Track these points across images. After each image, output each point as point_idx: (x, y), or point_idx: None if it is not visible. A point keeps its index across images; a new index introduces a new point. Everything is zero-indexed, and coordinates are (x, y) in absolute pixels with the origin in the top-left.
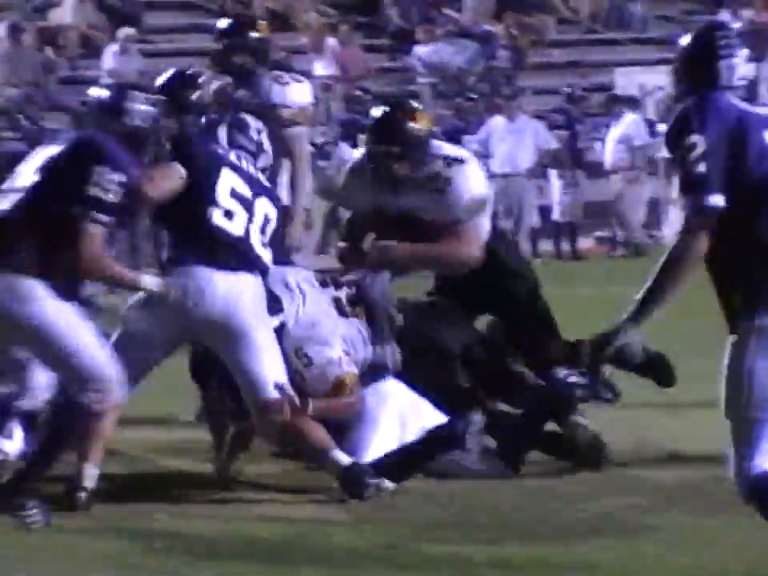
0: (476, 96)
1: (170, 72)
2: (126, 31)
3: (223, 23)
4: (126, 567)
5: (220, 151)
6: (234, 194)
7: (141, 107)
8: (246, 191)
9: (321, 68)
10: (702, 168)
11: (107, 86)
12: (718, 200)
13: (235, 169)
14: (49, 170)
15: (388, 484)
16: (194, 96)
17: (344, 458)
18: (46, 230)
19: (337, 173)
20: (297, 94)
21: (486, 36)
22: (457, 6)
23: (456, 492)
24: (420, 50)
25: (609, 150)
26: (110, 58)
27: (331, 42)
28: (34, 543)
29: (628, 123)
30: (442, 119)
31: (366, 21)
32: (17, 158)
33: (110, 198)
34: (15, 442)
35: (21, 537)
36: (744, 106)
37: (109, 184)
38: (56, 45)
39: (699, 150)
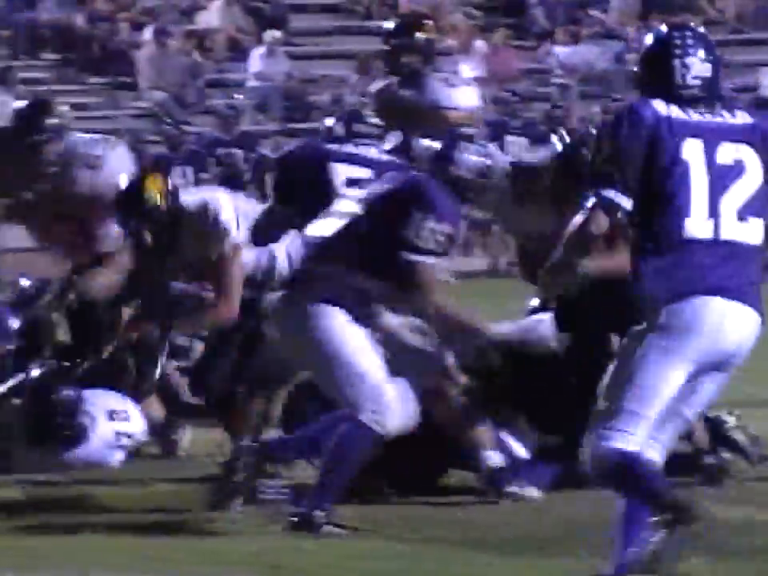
0: (621, 97)
1: None
2: (272, 34)
3: (391, 24)
4: (271, 567)
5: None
6: (352, 181)
7: (471, 158)
8: (364, 173)
9: (467, 70)
10: (606, 169)
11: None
12: (613, 195)
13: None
14: (375, 204)
15: (531, 492)
16: None
17: (494, 460)
18: (362, 258)
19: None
20: (464, 96)
21: (629, 38)
22: (603, 6)
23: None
24: (559, 50)
25: None
26: (256, 60)
27: (478, 43)
28: (182, 545)
29: None
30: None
31: (511, 22)
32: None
33: (430, 246)
34: (135, 423)
35: (165, 539)
36: (674, 113)
37: (430, 234)
38: (203, 48)
39: (605, 153)
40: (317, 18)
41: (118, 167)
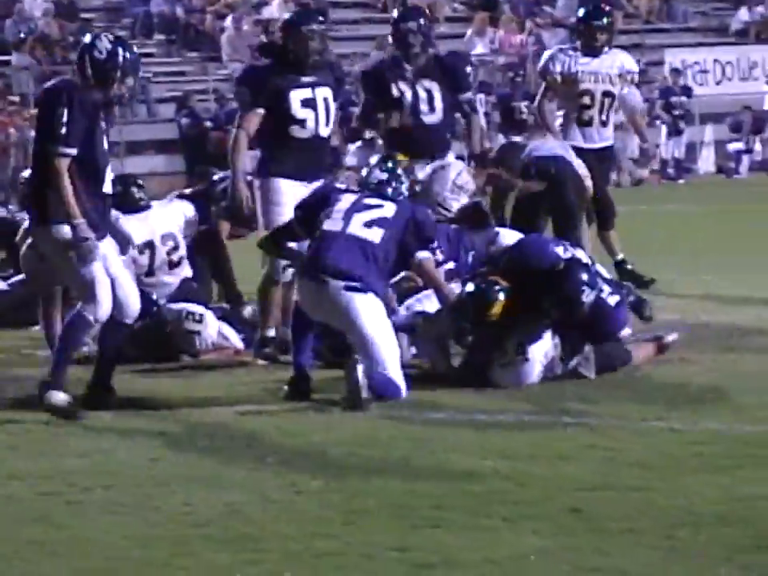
0: None
1: None
2: None
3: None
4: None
5: None
6: None
7: None
8: None
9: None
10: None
11: None
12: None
13: None
14: None
15: None
16: None
17: None
18: None
19: None
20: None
21: (572, 26)
22: (552, 3)
23: None
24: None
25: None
26: None
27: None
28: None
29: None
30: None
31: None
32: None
33: None
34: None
35: None
36: None
37: None
38: (267, 31)
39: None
40: (348, 11)
41: None
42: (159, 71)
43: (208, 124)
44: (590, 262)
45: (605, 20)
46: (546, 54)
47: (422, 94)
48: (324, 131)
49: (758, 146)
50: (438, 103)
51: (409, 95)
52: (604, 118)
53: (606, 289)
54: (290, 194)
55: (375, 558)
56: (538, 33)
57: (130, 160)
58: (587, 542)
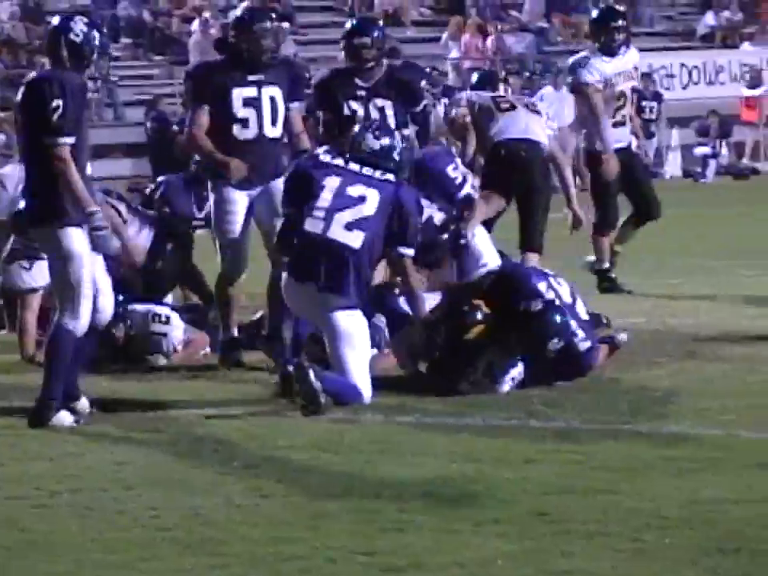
0: (532, 72)
1: None
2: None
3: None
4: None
5: None
6: None
7: None
8: None
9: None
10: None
11: None
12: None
13: None
14: None
15: None
16: None
17: None
18: None
19: None
20: None
21: (539, 30)
22: (518, 8)
23: None
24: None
25: None
26: None
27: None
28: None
29: None
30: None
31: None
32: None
33: None
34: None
35: None
36: None
37: None
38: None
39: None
40: (314, 14)
41: None
42: (126, 74)
43: (174, 128)
44: (570, 301)
45: (620, 20)
46: (573, 65)
47: (374, 114)
48: (271, 132)
49: (724, 151)
50: (391, 121)
51: (361, 112)
52: (632, 113)
53: (580, 334)
54: (242, 202)
55: (341, 561)
56: (503, 36)
57: (96, 164)
58: (554, 545)
